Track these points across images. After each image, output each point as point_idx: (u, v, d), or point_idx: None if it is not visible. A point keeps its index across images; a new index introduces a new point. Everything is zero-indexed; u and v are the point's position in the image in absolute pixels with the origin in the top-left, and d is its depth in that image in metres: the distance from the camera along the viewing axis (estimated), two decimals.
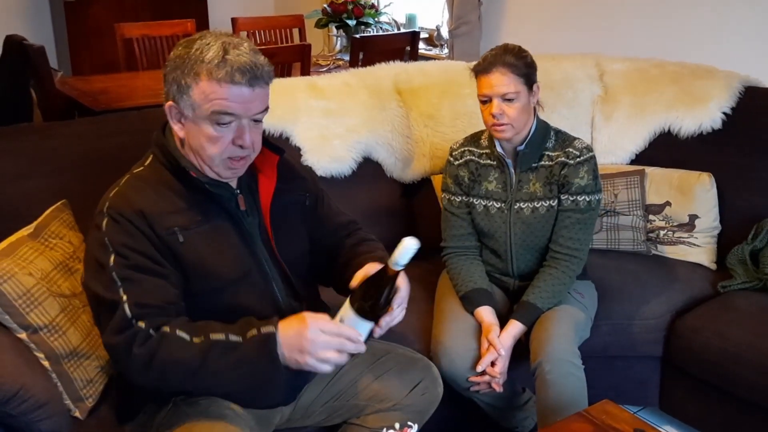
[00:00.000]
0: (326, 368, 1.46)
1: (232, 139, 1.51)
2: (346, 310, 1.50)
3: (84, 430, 1.67)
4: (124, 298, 1.45)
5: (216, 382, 1.49)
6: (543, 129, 2.12)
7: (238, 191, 1.63)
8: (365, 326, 1.50)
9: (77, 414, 1.69)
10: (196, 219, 1.55)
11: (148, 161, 1.62)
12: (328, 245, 1.81)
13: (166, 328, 1.45)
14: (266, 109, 1.55)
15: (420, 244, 1.42)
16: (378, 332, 1.55)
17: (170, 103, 1.52)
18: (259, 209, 1.65)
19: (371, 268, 1.57)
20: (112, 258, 1.47)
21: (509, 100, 2.00)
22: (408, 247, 1.42)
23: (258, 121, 1.55)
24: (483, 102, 2.05)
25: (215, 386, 1.52)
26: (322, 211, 1.81)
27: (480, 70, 2.04)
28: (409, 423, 1.47)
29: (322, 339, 1.44)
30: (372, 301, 1.48)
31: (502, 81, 1.99)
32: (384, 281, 1.48)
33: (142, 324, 1.44)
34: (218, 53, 1.46)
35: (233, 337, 1.45)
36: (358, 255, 1.74)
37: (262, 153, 1.65)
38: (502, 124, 2.02)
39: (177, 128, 1.54)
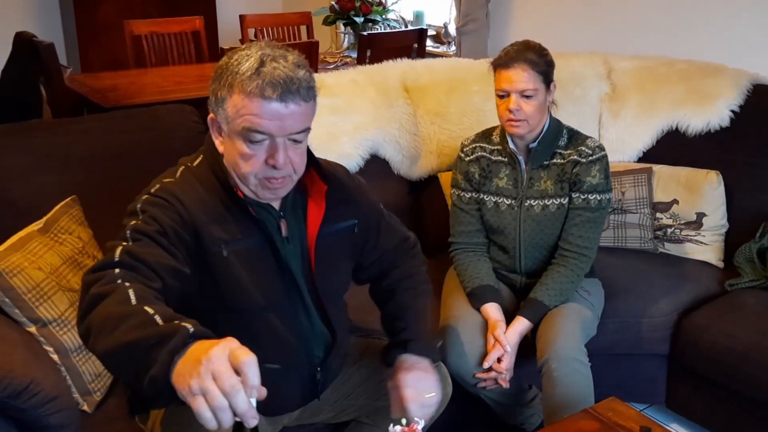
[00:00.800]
0: (201, 408, 1.02)
1: (265, 158, 1.40)
2: None
3: (92, 423, 1.69)
4: (123, 244, 1.33)
5: (115, 355, 1.19)
6: (556, 127, 2.13)
7: (282, 214, 1.54)
8: None
9: (85, 407, 1.71)
10: (236, 236, 1.47)
11: (197, 161, 1.53)
12: (373, 273, 1.76)
13: (127, 283, 1.25)
14: (307, 129, 1.42)
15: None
16: None
17: (211, 115, 1.45)
18: (302, 237, 1.56)
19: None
20: (134, 220, 1.39)
21: (527, 96, 2.00)
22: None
23: (298, 141, 1.42)
24: (500, 96, 2.05)
25: (112, 359, 1.21)
26: (371, 237, 1.71)
27: (500, 64, 2.03)
28: (416, 419, 1.48)
29: (221, 363, 1.04)
30: None
31: (522, 77, 1.99)
32: None
33: (117, 271, 1.27)
34: (253, 65, 1.36)
35: (157, 317, 1.16)
36: (395, 304, 1.72)
37: (311, 176, 1.56)
38: (518, 120, 2.02)
39: (217, 142, 1.46)
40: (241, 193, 1.47)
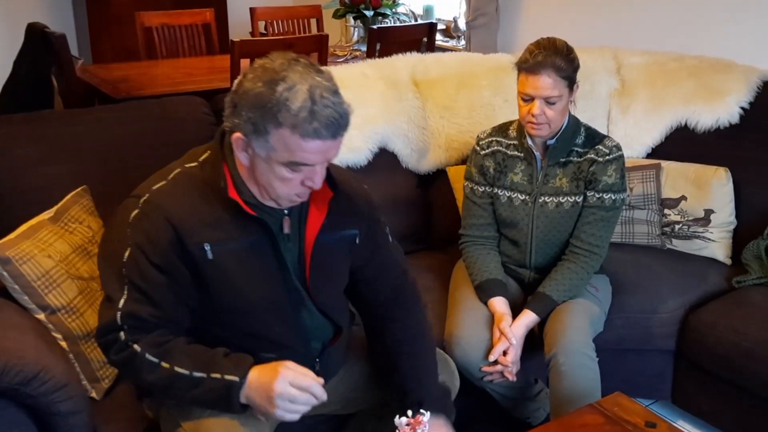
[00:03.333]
0: (292, 417, 1.45)
1: (302, 180, 1.45)
2: None
3: (100, 410, 1.70)
4: (120, 303, 1.46)
5: (182, 401, 1.54)
6: (574, 125, 2.12)
7: (287, 212, 1.56)
8: None
9: (93, 394, 1.72)
10: (232, 234, 1.49)
11: (203, 157, 1.55)
12: (366, 292, 1.74)
13: (137, 347, 1.45)
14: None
15: None
16: None
17: (239, 135, 1.43)
18: (301, 240, 1.58)
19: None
20: (127, 252, 1.46)
21: (552, 102, 1.98)
22: None
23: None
24: (524, 99, 2.01)
25: (181, 402, 1.55)
26: (370, 254, 1.71)
27: (527, 69, 1.98)
28: (422, 410, 1.48)
29: (289, 392, 1.42)
30: None
31: (548, 84, 1.95)
32: None
33: (122, 335, 1.45)
34: (306, 103, 1.36)
35: (197, 374, 1.45)
36: (399, 369, 1.66)
37: None
38: (540, 124, 2.01)
39: (242, 157, 1.47)
40: (236, 195, 1.49)
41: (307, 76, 1.39)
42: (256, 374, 1.45)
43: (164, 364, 1.45)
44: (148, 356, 1.45)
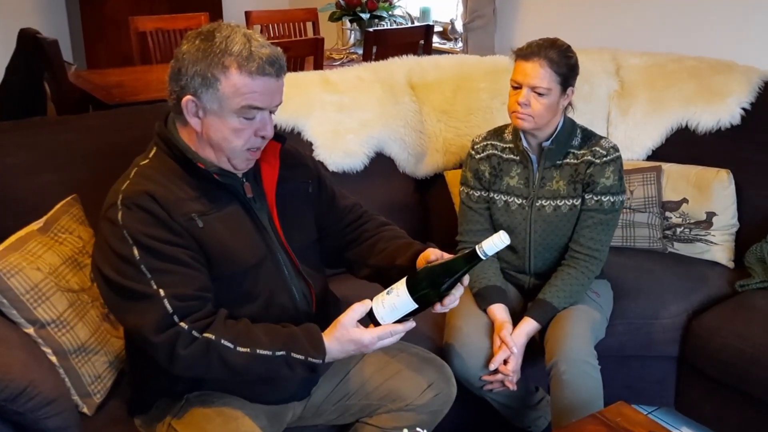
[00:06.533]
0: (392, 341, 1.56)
1: (254, 130, 1.51)
2: (401, 294, 1.51)
3: (92, 426, 1.68)
4: (161, 292, 1.44)
5: (255, 380, 1.58)
6: (570, 126, 2.10)
7: (244, 179, 1.62)
8: (412, 307, 1.52)
9: (85, 410, 1.69)
10: (209, 206, 1.54)
11: (152, 153, 1.58)
12: (340, 228, 1.81)
13: (210, 335, 1.45)
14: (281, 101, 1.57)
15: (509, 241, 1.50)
16: (439, 309, 1.56)
17: (189, 97, 1.48)
18: (264, 197, 1.64)
19: (430, 255, 1.61)
20: (135, 250, 1.44)
21: (539, 94, 1.97)
22: (502, 241, 1.48)
23: (273, 113, 1.56)
24: (513, 87, 2.02)
25: (251, 381, 1.59)
26: (326, 196, 1.80)
27: (520, 55, 2.00)
28: (418, 429, 1.45)
29: (380, 343, 1.52)
30: (441, 285, 1.52)
31: (538, 73, 1.96)
32: (461, 266, 1.53)
33: (184, 325, 1.44)
34: (245, 45, 1.45)
35: (279, 353, 1.48)
36: (388, 239, 1.76)
37: None
38: (525, 114, 2.00)
39: (194, 122, 1.51)
40: (202, 164, 1.54)
41: (236, 28, 1.49)
42: (336, 347, 1.51)
43: (240, 349, 1.46)
44: (224, 342, 1.45)
